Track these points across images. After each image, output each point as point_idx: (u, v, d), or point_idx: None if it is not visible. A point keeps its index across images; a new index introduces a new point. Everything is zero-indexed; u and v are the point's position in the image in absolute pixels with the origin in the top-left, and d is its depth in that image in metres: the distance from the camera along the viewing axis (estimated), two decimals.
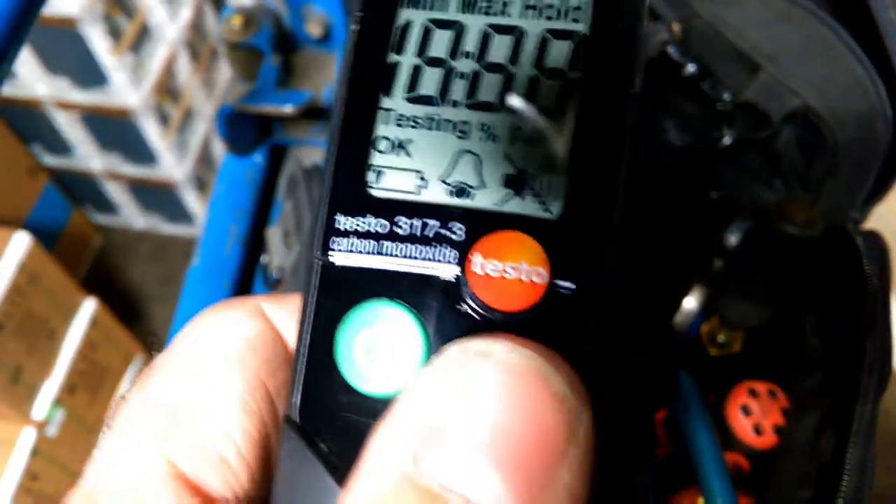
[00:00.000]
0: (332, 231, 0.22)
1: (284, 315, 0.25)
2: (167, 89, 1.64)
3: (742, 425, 0.54)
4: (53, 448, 1.33)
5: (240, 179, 0.77)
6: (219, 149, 1.77)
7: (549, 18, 0.22)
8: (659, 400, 0.61)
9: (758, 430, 0.54)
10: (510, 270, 0.20)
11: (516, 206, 0.21)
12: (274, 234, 0.66)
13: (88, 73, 1.50)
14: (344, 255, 0.22)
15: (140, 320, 1.79)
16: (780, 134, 0.56)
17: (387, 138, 0.22)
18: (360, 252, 0.22)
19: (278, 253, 0.65)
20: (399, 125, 0.22)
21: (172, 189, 1.76)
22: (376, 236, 0.22)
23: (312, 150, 0.81)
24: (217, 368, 0.23)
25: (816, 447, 0.52)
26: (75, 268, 1.77)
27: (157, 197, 1.82)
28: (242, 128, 0.77)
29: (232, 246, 0.73)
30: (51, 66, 1.52)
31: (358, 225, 0.22)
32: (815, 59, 0.54)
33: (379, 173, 0.22)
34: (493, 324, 0.20)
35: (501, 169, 0.21)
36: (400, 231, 0.21)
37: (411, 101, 0.22)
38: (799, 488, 0.52)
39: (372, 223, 0.22)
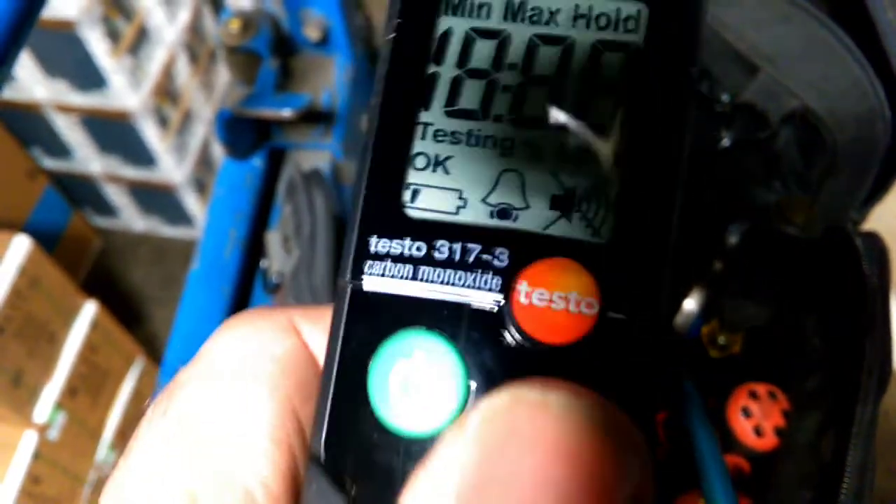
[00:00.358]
0: (364, 254, 0.20)
1: (318, 332, 0.23)
2: (166, 91, 1.64)
3: (743, 427, 0.54)
4: (55, 451, 1.33)
5: (239, 183, 0.77)
6: (218, 151, 1.77)
7: (600, 29, 0.20)
8: (659, 401, 0.61)
9: (758, 432, 0.54)
10: (558, 300, 0.19)
11: (563, 229, 0.19)
12: (273, 239, 0.66)
13: (87, 76, 1.50)
14: (377, 280, 0.20)
15: (141, 323, 1.79)
16: (779, 135, 0.56)
17: (424, 154, 0.21)
18: (395, 277, 0.20)
19: (278, 258, 0.65)
20: (438, 141, 0.21)
21: (172, 191, 1.76)
22: (412, 260, 0.20)
23: (311, 154, 0.81)
24: (247, 391, 0.21)
25: (817, 448, 0.52)
26: (75, 271, 1.77)
27: (157, 199, 1.82)
28: (241, 132, 0.77)
29: (232, 250, 0.73)
30: (49, 69, 1.52)
31: (392, 247, 0.20)
32: (814, 61, 0.53)
33: (416, 192, 0.20)
34: (538, 358, 0.19)
35: (547, 189, 0.20)
36: (438, 255, 0.20)
37: (451, 115, 0.21)
38: (800, 490, 0.52)
39: (408, 246, 0.20)
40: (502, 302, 0.19)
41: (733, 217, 0.60)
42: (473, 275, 0.19)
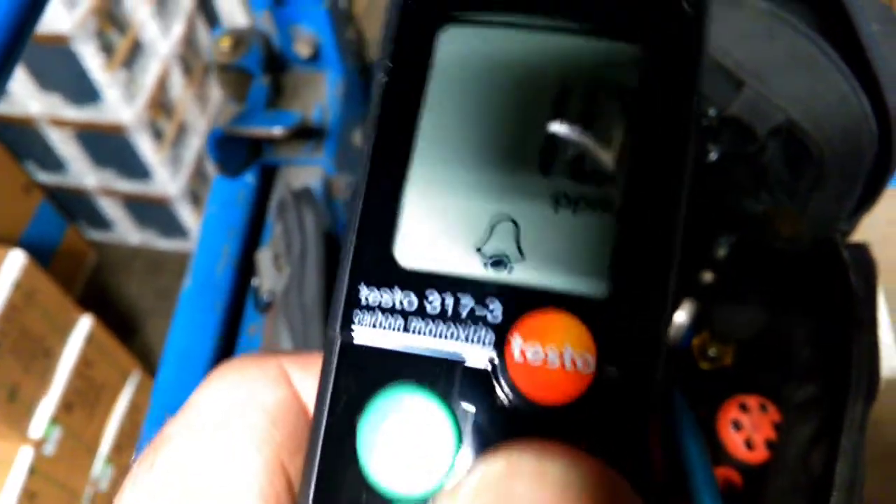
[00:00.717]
0: (353, 303, 0.19)
1: (310, 380, 0.22)
2: (160, 105, 1.64)
3: (733, 440, 0.55)
4: (51, 466, 1.32)
5: (231, 199, 0.77)
6: (213, 165, 1.78)
7: (594, 72, 0.19)
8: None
9: (749, 445, 0.54)
10: (553, 357, 0.18)
11: (559, 281, 0.19)
12: (264, 257, 0.66)
13: (81, 90, 1.50)
14: (367, 332, 0.19)
15: (136, 336, 1.79)
16: (766, 148, 0.56)
17: (417, 203, 0.20)
18: (386, 329, 0.19)
19: (269, 276, 0.65)
20: (431, 189, 0.20)
21: (167, 204, 1.76)
22: (403, 312, 0.19)
23: (303, 170, 0.81)
24: (235, 445, 0.20)
25: (807, 462, 0.53)
26: (71, 285, 1.76)
27: (152, 212, 1.82)
28: (233, 150, 0.77)
29: (224, 267, 0.73)
30: (44, 84, 1.52)
31: (383, 298, 0.19)
32: (799, 75, 0.54)
33: (407, 241, 0.19)
34: (534, 418, 0.18)
35: (543, 239, 0.19)
36: (430, 308, 0.19)
37: (444, 162, 0.20)
38: (791, 503, 0.52)
39: (399, 297, 0.19)
40: (496, 358, 0.18)
41: (722, 229, 0.61)
42: (466, 329, 0.19)
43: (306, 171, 0.80)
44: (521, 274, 0.19)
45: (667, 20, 0.19)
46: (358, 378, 0.19)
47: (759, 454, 0.54)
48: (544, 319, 0.18)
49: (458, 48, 0.20)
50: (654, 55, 0.19)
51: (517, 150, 0.19)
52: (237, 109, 0.74)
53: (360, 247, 0.20)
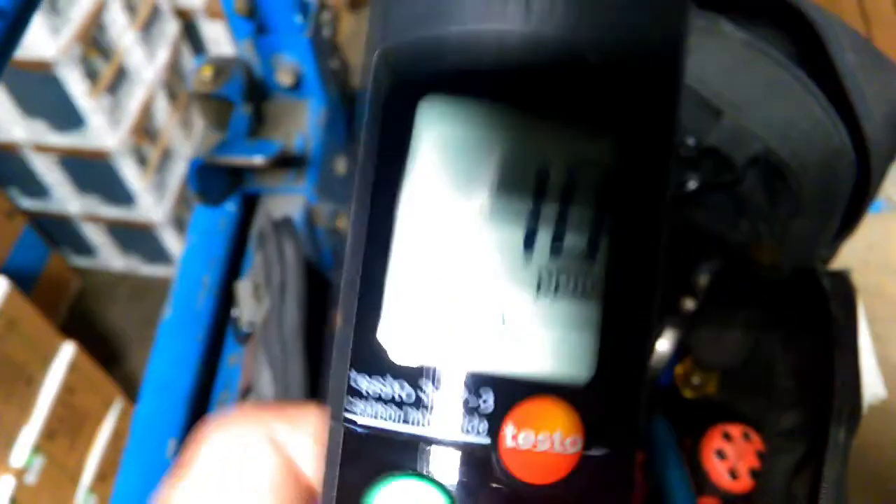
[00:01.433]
0: (352, 393, 0.20)
1: (298, 440, 0.22)
2: (145, 130, 1.64)
3: (717, 469, 0.54)
4: (33, 496, 1.31)
5: (212, 229, 0.77)
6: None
7: (572, 166, 0.19)
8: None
9: (733, 475, 0.54)
10: (543, 440, 0.19)
11: (546, 369, 0.19)
12: (244, 288, 0.66)
13: (65, 116, 1.50)
14: (366, 421, 0.20)
15: (120, 363, 1.78)
16: (745, 177, 0.56)
17: (406, 298, 0.20)
18: (384, 419, 0.19)
19: (248, 307, 0.65)
20: (418, 284, 0.20)
21: (151, 230, 1.75)
22: (402, 404, 0.19)
23: (285, 199, 0.81)
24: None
25: (791, 490, 0.52)
26: (54, 311, 1.75)
27: (136, 238, 1.81)
28: (214, 179, 0.77)
29: (205, 297, 0.73)
30: (28, 110, 1.52)
31: (381, 388, 0.20)
32: (776, 104, 0.54)
33: (401, 335, 0.20)
34: (525, 498, 0.19)
35: (528, 326, 0.19)
36: (426, 399, 0.19)
37: (426, 259, 0.20)
38: None
39: (395, 388, 0.19)
40: (490, 446, 0.19)
41: (703, 258, 0.61)
42: (461, 420, 0.19)
43: (288, 200, 0.80)
44: (511, 364, 0.19)
45: (641, 108, 0.19)
46: (360, 466, 0.20)
47: (744, 483, 0.54)
48: (535, 407, 0.19)
49: (437, 126, 0.19)
50: (630, 140, 0.19)
51: (499, 233, 0.19)
52: (218, 138, 0.74)
53: (357, 339, 0.20)
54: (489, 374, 0.19)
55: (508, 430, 0.19)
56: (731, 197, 0.59)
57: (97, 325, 1.86)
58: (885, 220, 0.78)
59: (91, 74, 1.47)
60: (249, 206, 0.82)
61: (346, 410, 0.20)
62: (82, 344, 1.44)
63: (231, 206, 0.80)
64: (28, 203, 1.76)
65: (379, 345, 0.20)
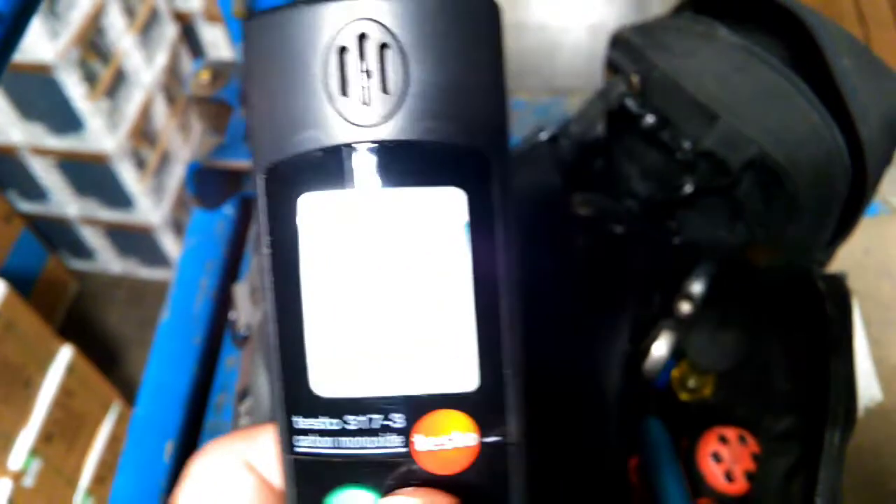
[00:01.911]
0: (293, 431, 0.25)
1: (266, 460, 0.27)
2: (143, 134, 1.64)
3: (713, 472, 0.55)
4: (30, 499, 1.30)
5: (210, 232, 0.77)
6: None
7: (426, 220, 0.24)
8: (632, 447, 0.61)
9: (729, 477, 0.54)
10: (446, 441, 0.24)
11: (441, 385, 0.24)
12: (241, 291, 0.66)
13: (64, 119, 1.50)
14: (308, 450, 0.25)
15: (118, 366, 1.78)
16: (741, 181, 0.57)
17: (320, 346, 0.24)
18: (321, 448, 0.25)
19: (245, 310, 0.65)
20: (328, 332, 0.24)
21: (150, 233, 1.75)
22: (332, 433, 0.24)
23: None
24: None
25: (787, 493, 0.53)
26: (52, 314, 1.75)
27: (134, 241, 1.81)
28: (211, 183, 0.77)
29: (202, 300, 0.73)
30: (26, 113, 1.52)
31: (313, 424, 0.25)
32: (772, 108, 0.54)
33: (320, 377, 0.24)
34: (440, 486, 0.24)
35: (422, 352, 0.24)
36: (350, 427, 0.24)
37: (331, 312, 0.24)
38: None
39: (326, 422, 0.24)
40: (406, 453, 0.24)
41: (699, 261, 0.61)
42: (381, 438, 0.24)
43: None
44: (412, 384, 0.24)
45: (477, 167, 0.24)
46: (309, 486, 0.25)
47: (740, 486, 0.54)
48: (435, 418, 0.24)
49: (318, 214, 0.24)
50: (474, 194, 0.24)
51: (384, 287, 0.24)
52: (216, 142, 0.74)
53: (287, 385, 0.25)
54: (397, 397, 0.24)
55: (417, 439, 0.24)
56: (726, 200, 0.59)
57: (95, 328, 1.86)
58: (882, 223, 0.78)
59: (89, 77, 1.47)
60: (247, 209, 0.82)
61: (292, 444, 0.25)
62: (80, 347, 1.44)
63: (229, 210, 0.80)
64: (26, 206, 1.76)
65: (307, 390, 0.24)
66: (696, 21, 0.59)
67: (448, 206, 0.24)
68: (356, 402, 0.24)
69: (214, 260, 0.75)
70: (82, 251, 1.89)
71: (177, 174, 1.78)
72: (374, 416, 0.24)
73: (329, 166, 0.24)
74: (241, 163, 0.72)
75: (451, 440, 0.24)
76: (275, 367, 0.25)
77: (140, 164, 1.64)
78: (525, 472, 0.25)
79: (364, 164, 0.24)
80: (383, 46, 0.24)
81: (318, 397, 0.24)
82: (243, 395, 0.62)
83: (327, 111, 0.24)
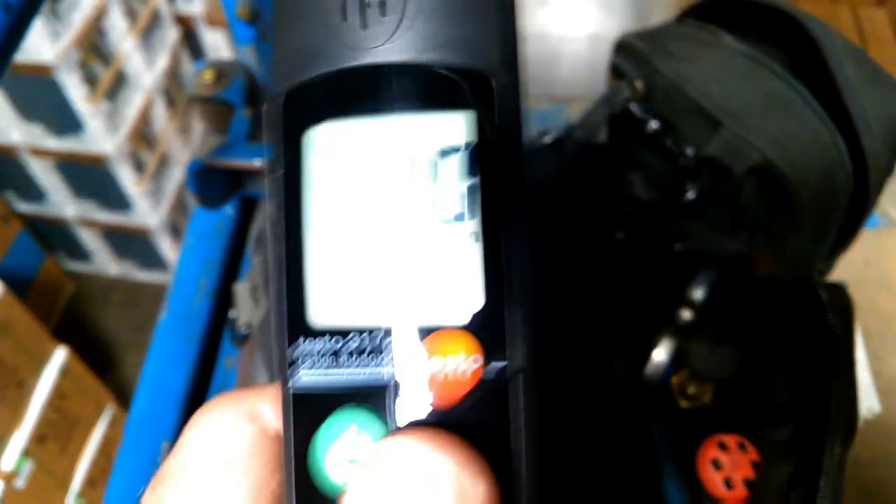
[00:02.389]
0: (291, 360, 0.24)
1: (273, 410, 0.26)
2: (143, 136, 1.64)
3: (713, 479, 0.54)
4: (22, 501, 1.30)
5: (211, 231, 0.77)
6: (193, 196, 1.78)
7: (441, 139, 0.24)
8: (629, 453, 0.61)
9: (728, 485, 0.54)
10: (451, 362, 0.23)
11: (445, 307, 0.23)
12: (242, 290, 0.66)
13: (64, 120, 1.50)
14: (305, 378, 0.24)
15: (112, 368, 1.77)
16: (743, 188, 0.57)
17: (324, 275, 0.24)
18: (318, 373, 0.24)
19: (246, 309, 0.65)
20: (332, 262, 0.24)
21: (147, 236, 1.75)
22: (330, 357, 0.24)
23: None
24: (222, 475, 0.25)
25: (786, 502, 0.52)
26: (47, 315, 1.75)
27: (131, 244, 1.81)
28: (213, 182, 0.77)
29: (201, 299, 0.73)
30: (26, 113, 1.52)
31: (311, 350, 0.24)
32: (775, 115, 0.54)
33: (320, 299, 0.24)
34: (443, 411, 0.23)
35: (426, 277, 0.24)
36: (349, 348, 0.24)
37: (336, 238, 0.24)
38: None
39: (324, 346, 0.24)
40: (407, 373, 0.23)
41: (700, 268, 0.61)
42: (380, 358, 0.23)
43: None
44: (415, 307, 0.23)
45: (482, 90, 0.24)
46: (307, 415, 0.24)
47: (739, 493, 0.54)
48: (439, 338, 0.23)
49: (321, 144, 0.24)
50: (479, 117, 0.24)
51: (388, 214, 0.24)
52: (218, 141, 0.74)
53: (286, 313, 0.24)
54: (398, 319, 0.23)
55: (421, 358, 0.23)
56: (729, 208, 0.59)
57: (90, 330, 1.85)
58: (882, 236, 0.78)
59: (90, 79, 1.47)
60: (248, 209, 0.82)
61: (289, 375, 0.24)
62: (75, 349, 1.43)
63: (230, 210, 0.80)
64: (24, 206, 1.76)
65: (306, 316, 0.24)
66: (700, 28, 0.59)
67: (452, 130, 0.24)
68: (355, 325, 0.24)
69: (214, 259, 0.75)
70: (79, 253, 1.88)
71: (175, 177, 1.78)
72: (375, 336, 0.23)
73: (331, 92, 0.25)
74: (242, 162, 0.72)
75: (455, 360, 0.23)
76: (276, 297, 0.25)
77: (139, 166, 1.64)
78: (532, 403, 0.23)
79: (364, 89, 0.24)
80: None
81: (316, 323, 0.24)
82: None
83: (329, 37, 0.25)
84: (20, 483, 1.29)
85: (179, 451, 0.26)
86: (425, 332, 0.23)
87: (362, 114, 0.24)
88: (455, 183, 0.24)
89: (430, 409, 0.23)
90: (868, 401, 0.69)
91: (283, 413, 0.24)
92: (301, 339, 0.24)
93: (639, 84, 0.58)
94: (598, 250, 0.63)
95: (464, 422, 0.23)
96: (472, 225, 0.23)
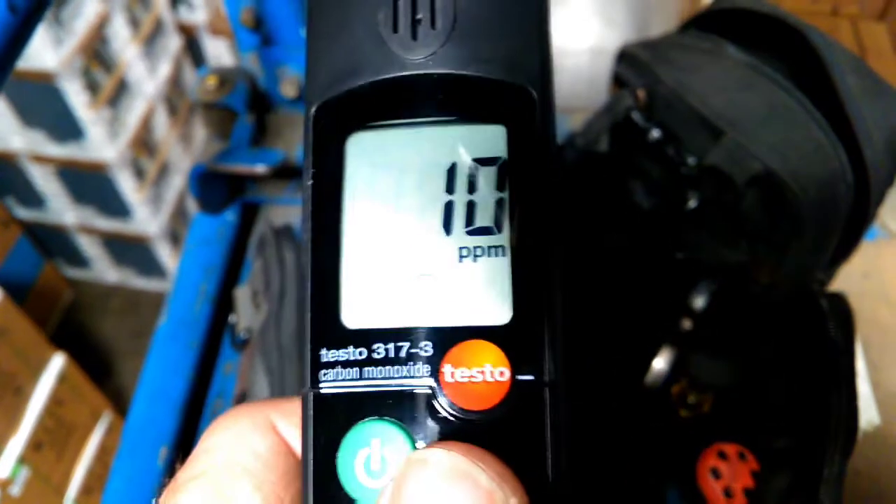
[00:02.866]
0: (318, 365, 0.24)
1: (292, 425, 0.27)
2: (144, 144, 1.65)
3: (712, 488, 0.54)
4: None
5: (211, 237, 0.77)
6: (194, 203, 1.78)
7: (475, 151, 0.25)
8: (629, 462, 0.60)
9: (728, 494, 0.54)
10: (477, 374, 0.23)
11: (473, 318, 0.23)
12: (242, 295, 0.66)
13: (65, 127, 1.50)
14: (331, 384, 0.24)
15: (109, 376, 1.77)
16: (744, 197, 0.57)
17: (352, 276, 0.24)
18: (345, 379, 0.24)
19: (246, 313, 0.65)
20: (362, 263, 0.24)
21: (146, 243, 1.75)
22: (357, 363, 0.24)
23: (284, 209, 0.81)
24: (236, 488, 0.25)
25: None
26: (45, 322, 1.74)
27: (131, 251, 1.81)
28: (215, 187, 0.77)
29: (201, 305, 0.73)
30: (27, 120, 1.52)
31: (340, 356, 0.24)
32: (777, 125, 0.55)
33: (351, 308, 0.24)
34: (470, 423, 0.23)
35: (454, 285, 0.24)
36: (377, 356, 0.24)
37: (369, 239, 0.25)
38: None
39: (352, 352, 0.24)
40: (434, 384, 0.23)
41: (701, 277, 0.61)
42: (407, 366, 0.23)
43: (288, 211, 0.80)
44: (443, 317, 0.24)
45: (520, 105, 0.25)
46: (331, 422, 0.24)
47: (738, 502, 0.54)
48: (465, 348, 0.23)
49: (364, 149, 0.25)
50: (516, 131, 0.25)
51: (423, 220, 0.24)
52: (221, 147, 0.74)
53: (315, 319, 0.25)
54: (426, 328, 0.24)
55: (447, 369, 0.23)
56: (730, 217, 0.59)
57: (88, 336, 1.85)
58: (881, 248, 0.78)
59: (92, 86, 1.48)
60: (249, 215, 0.82)
61: (314, 379, 0.24)
62: (72, 355, 1.43)
63: (230, 215, 0.80)
64: (24, 213, 1.76)
65: (336, 319, 0.24)
66: (702, 38, 0.59)
67: (490, 141, 0.25)
68: (385, 332, 0.24)
69: (214, 265, 0.75)
70: (78, 259, 1.88)
71: (175, 185, 1.78)
72: (402, 344, 0.23)
73: (377, 100, 0.25)
74: (245, 168, 0.72)
75: (480, 373, 0.23)
76: (307, 298, 0.25)
77: (139, 173, 1.64)
78: (561, 416, 0.23)
79: (410, 97, 0.25)
80: None
81: (346, 328, 0.24)
82: (242, 398, 0.61)
83: (378, 47, 0.26)
84: (16, 490, 1.29)
85: (197, 458, 0.26)
86: (452, 343, 0.23)
87: (412, 119, 0.25)
88: (491, 193, 0.24)
89: (454, 420, 0.23)
90: (867, 413, 0.69)
91: (304, 418, 0.24)
92: (327, 348, 0.24)
93: (641, 93, 0.58)
94: (599, 258, 0.63)
95: (490, 433, 0.23)
96: (503, 241, 0.24)
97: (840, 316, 0.54)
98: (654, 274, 0.62)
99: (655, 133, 0.58)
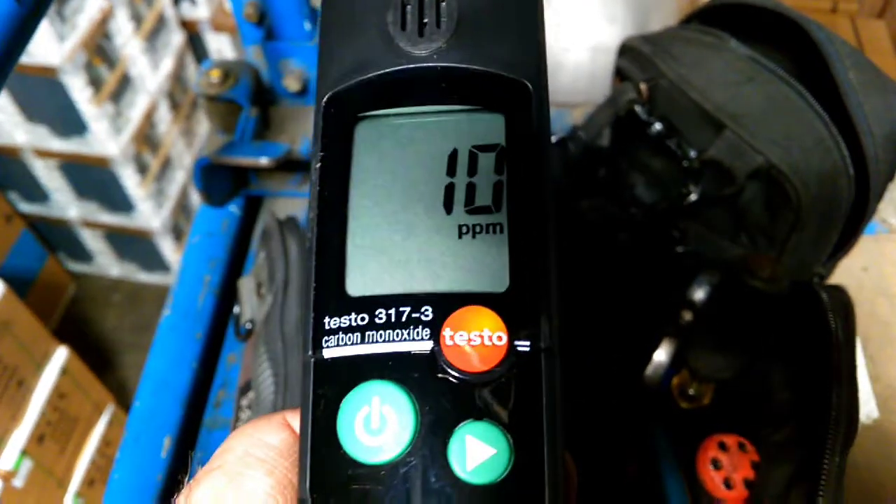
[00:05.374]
0: (321, 332, 0.25)
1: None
2: (147, 139, 1.65)
3: (713, 479, 0.55)
4: (20, 500, 1.29)
5: (215, 230, 0.77)
6: (196, 198, 1.78)
7: (474, 137, 0.27)
8: (630, 453, 0.61)
9: (728, 484, 0.54)
10: (475, 337, 0.24)
11: (472, 285, 0.25)
12: (246, 285, 0.66)
13: (68, 122, 1.50)
14: (333, 350, 0.25)
15: (112, 369, 1.77)
16: (745, 191, 0.57)
17: (356, 248, 0.26)
18: (347, 344, 0.25)
19: (250, 304, 0.65)
20: (365, 237, 0.26)
21: (149, 237, 1.75)
22: (359, 329, 0.25)
23: (288, 202, 0.81)
24: (249, 473, 0.27)
25: (786, 501, 0.53)
26: (48, 315, 1.75)
27: (134, 245, 1.81)
28: (219, 179, 0.77)
29: (205, 296, 0.73)
30: (30, 115, 1.52)
31: (342, 322, 0.25)
32: (778, 119, 0.55)
33: (353, 277, 0.25)
34: (467, 384, 0.24)
35: (455, 258, 0.25)
36: (378, 321, 0.25)
37: (373, 216, 0.26)
38: None
39: (354, 318, 0.25)
40: (434, 347, 0.24)
41: (701, 270, 0.61)
42: (408, 330, 0.24)
43: (291, 203, 0.81)
44: (443, 283, 0.25)
45: (517, 97, 0.27)
46: (332, 384, 0.25)
47: (739, 493, 0.54)
48: (465, 313, 0.24)
49: (371, 135, 0.27)
50: (513, 120, 0.27)
51: (426, 200, 0.26)
52: (225, 140, 0.75)
53: (319, 288, 0.26)
54: (427, 293, 0.25)
55: (447, 332, 0.24)
56: (730, 210, 0.60)
57: (91, 330, 1.85)
58: (880, 242, 0.79)
59: (95, 82, 1.48)
60: (253, 208, 0.82)
61: (316, 345, 0.25)
62: (75, 349, 1.43)
63: (234, 208, 0.80)
64: (27, 207, 1.76)
65: (340, 288, 0.25)
66: (704, 32, 0.60)
67: (489, 129, 0.26)
68: (387, 298, 0.25)
69: (218, 257, 0.76)
70: (81, 253, 1.88)
71: (178, 180, 1.79)
72: (403, 309, 0.25)
73: (385, 90, 0.27)
74: (248, 160, 0.73)
75: (479, 337, 0.24)
76: (311, 269, 0.26)
77: (142, 168, 1.64)
78: (556, 382, 0.24)
79: (415, 88, 0.27)
80: None
81: (350, 296, 0.25)
82: (245, 388, 0.62)
83: (386, 43, 0.28)
84: (19, 482, 1.29)
85: (215, 457, 0.28)
86: (452, 308, 0.24)
87: (417, 108, 0.27)
88: (490, 176, 0.26)
89: (453, 380, 0.24)
90: (866, 406, 0.69)
91: (304, 385, 0.25)
92: (330, 316, 0.25)
93: (643, 86, 0.58)
94: (600, 251, 0.63)
95: (486, 396, 0.24)
96: (500, 218, 0.25)
97: (840, 308, 0.54)
98: (654, 267, 0.63)
99: (657, 126, 0.58)
